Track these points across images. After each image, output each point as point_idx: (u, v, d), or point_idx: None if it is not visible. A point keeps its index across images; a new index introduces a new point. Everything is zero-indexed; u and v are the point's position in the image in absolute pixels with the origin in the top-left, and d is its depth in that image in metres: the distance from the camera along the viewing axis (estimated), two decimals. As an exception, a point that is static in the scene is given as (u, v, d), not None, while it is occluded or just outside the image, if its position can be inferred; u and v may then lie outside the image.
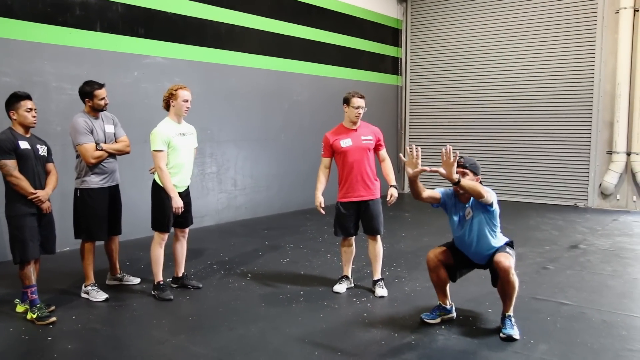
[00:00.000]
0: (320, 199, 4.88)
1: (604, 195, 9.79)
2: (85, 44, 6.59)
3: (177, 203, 4.67)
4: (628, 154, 9.44)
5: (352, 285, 5.12)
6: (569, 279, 5.39)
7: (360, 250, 5.41)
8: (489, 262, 3.98)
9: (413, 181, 3.85)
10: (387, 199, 4.78)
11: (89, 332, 4.04)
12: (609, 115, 9.63)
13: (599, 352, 3.65)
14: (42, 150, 4.40)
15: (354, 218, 4.90)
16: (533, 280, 5.32)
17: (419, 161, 3.78)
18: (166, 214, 4.75)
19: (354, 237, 5.04)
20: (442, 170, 3.67)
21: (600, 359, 3.55)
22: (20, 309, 4.38)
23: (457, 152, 3.68)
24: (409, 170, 3.81)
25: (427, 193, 4.00)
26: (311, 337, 3.93)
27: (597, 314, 4.36)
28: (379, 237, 4.94)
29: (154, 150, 4.64)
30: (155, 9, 7.29)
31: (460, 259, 4.12)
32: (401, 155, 4.20)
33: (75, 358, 3.63)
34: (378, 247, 4.94)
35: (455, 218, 4.02)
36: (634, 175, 9.41)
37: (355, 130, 4.84)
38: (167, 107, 4.80)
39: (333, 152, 4.88)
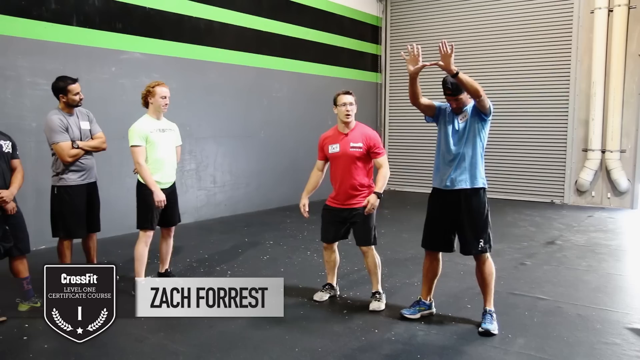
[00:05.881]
0: (304, 201, 4.57)
1: (580, 192, 9.95)
2: (61, 38, 6.47)
3: (159, 196, 4.63)
4: (603, 152, 9.61)
5: (337, 294, 4.74)
6: (546, 274, 5.47)
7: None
8: (462, 209, 3.95)
9: (413, 79, 3.81)
10: (364, 204, 4.37)
11: (65, 331, 3.98)
12: (584, 114, 9.78)
13: (574, 346, 3.71)
14: (6, 146, 4.20)
15: (336, 225, 4.52)
16: (511, 275, 5.39)
17: (420, 58, 3.74)
18: (150, 210, 4.71)
19: (335, 245, 4.66)
20: (441, 63, 3.66)
21: (576, 352, 3.61)
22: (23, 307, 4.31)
23: (452, 43, 3.66)
24: (410, 67, 3.76)
25: (424, 100, 3.98)
26: (291, 333, 3.92)
27: (572, 309, 4.44)
28: (371, 248, 4.52)
29: (132, 146, 4.61)
30: (132, 4, 7.19)
31: (440, 226, 4.08)
32: (403, 53, 3.97)
33: (51, 357, 3.58)
34: (370, 259, 4.52)
35: (449, 127, 3.98)
36: (608, 172, 9.58)
37: (346, 134, 4.41)
38: (147, 104, 4.77)
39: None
